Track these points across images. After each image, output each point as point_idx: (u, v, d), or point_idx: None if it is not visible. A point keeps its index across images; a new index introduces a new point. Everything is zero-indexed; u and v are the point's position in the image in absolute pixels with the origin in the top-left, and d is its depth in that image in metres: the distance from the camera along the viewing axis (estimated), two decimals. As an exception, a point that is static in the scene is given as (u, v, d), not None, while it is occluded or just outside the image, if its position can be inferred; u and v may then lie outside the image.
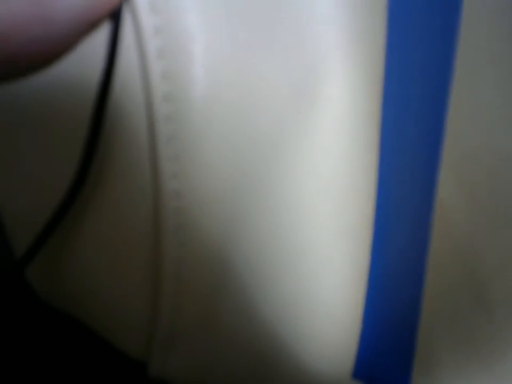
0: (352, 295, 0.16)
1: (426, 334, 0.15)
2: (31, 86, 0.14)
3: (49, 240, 0.15)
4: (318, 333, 0.16)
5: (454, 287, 0.15)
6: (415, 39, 0.14)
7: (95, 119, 0.14)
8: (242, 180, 0.15)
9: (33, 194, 0.15)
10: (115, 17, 0.14)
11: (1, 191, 0.16)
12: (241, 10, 0.14)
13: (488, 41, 0.14)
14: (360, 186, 0.16)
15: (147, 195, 0.15)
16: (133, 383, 0.19)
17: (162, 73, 0.14)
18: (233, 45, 0.14)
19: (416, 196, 0.15)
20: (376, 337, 0.16)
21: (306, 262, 0.16)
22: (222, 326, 0.16)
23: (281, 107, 0.15)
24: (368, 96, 0.15)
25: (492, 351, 0.14)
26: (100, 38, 0.14)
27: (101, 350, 0.20)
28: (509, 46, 0.13)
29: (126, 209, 0.15)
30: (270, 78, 0.15)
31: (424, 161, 0.15)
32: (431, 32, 0.14)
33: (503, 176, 0.14)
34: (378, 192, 0.16)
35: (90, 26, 0.13)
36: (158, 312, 0.16)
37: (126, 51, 0.14)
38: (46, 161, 0.15)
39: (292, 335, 0.16)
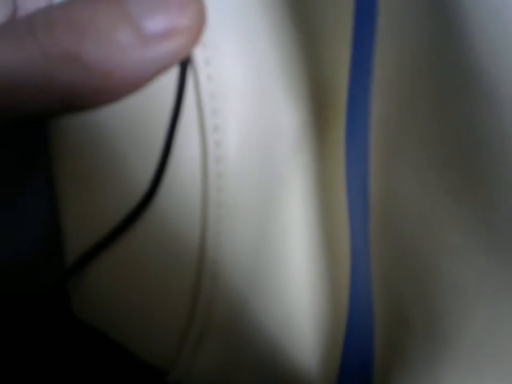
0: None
1: (379, 362, 0.18)
2: (111, 112, 0.17)
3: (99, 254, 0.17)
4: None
5: (389, 327, 0.18)
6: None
7: (167, 143, 0.17)
8: (262, 204, 0.19)
9: (98, 212, 0.18)
10: (183, 64, 0.17)
11: (68, 206, 0.18)
12: (264, 66, 0.19)
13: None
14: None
15: (196, 218, 0.18)
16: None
17: (212, 111, 0.17)
18: (257, 91, 0.18)
19: (364, 245, 0.18)
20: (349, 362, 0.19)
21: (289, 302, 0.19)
22: (245, 328, 0.18)
23: (288, 150, 0.19)
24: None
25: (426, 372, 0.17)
26: (167, 78, 0.17)
27: (117, 360, 0.21)
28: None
29: (176, 226, 0.18)
30: (280, 123, 0.19)
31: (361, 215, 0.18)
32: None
33: (414, 239, 0.16)
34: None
35: (165, 70, 0.17)
36: (194, 311, 0.18)
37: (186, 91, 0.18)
38: (116, 178, 0.17)
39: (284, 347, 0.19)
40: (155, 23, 0.16)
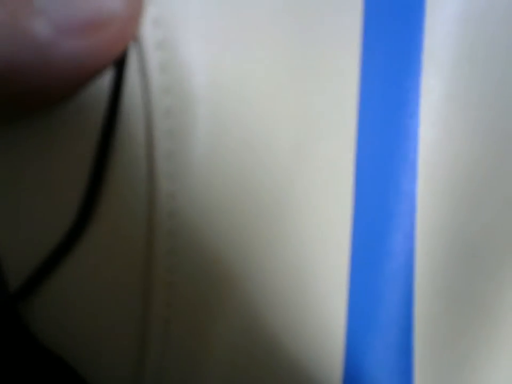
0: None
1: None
2: (35, 127, 0.15)
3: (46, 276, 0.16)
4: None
5: None
6: None
7: (99, 157, 0.14)
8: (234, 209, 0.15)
9: (34, 229, 0.15)
10: (119, 64, 0.14)
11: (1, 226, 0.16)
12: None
13: None
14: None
15: (142, 218, 0.15)
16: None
17: (165, 110, 0.14)
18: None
19: None
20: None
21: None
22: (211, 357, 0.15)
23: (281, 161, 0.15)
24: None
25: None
26: (104, 82, 0.14)
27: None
28: None
29: (122, 227, 0.15)
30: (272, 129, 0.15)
31: None
32: None
33: None
34: None
35: (93, 73, 0.13)
36: (148, 334, 0.15)
37: (130, 88, 0.14)
38: (49, 197, 0.15)
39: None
40: (66, 10, 0.12)
